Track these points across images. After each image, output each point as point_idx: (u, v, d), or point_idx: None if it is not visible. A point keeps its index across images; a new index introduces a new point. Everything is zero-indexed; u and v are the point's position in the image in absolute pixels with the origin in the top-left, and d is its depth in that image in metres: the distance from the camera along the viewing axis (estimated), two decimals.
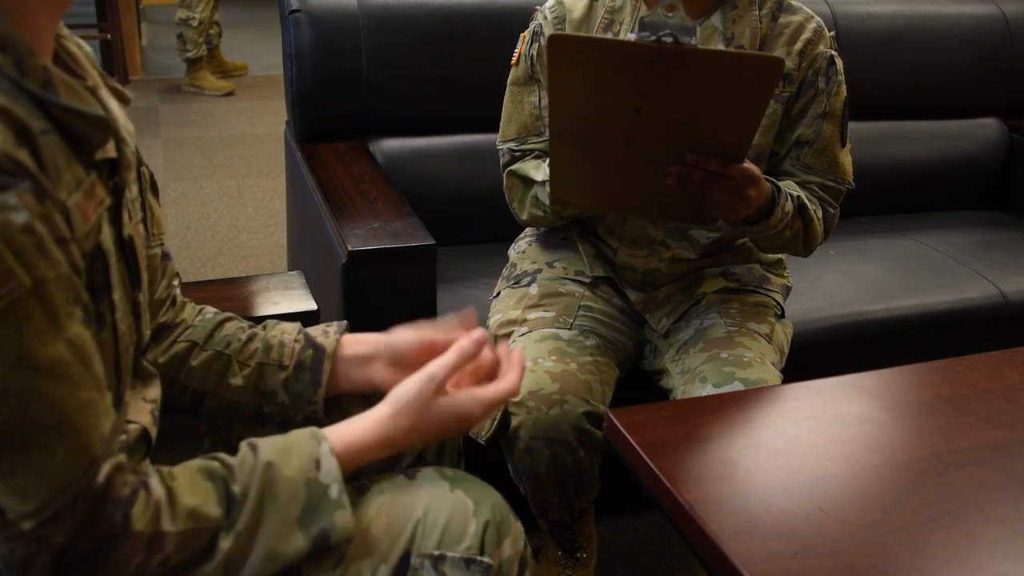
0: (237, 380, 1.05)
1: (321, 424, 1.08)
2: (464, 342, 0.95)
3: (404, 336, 1.07)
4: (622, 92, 1.15)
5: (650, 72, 1.12)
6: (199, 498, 0.79)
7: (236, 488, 0.81)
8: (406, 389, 0.92)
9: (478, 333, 0.96)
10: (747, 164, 1.24)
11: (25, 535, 0.69)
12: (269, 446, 0.85)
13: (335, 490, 0.84)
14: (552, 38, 1.11)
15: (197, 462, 0.83)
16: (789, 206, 1.38)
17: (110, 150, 0.78)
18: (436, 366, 0.93)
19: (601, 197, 1.39)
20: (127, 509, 0.74)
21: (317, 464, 0.85)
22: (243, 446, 0.85)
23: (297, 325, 1.10)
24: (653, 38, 1.09)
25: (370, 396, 1.09)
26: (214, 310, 1.10)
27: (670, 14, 1.33)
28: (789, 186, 1.45)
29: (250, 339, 1.07)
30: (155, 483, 0.77)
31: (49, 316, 0.66)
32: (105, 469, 0.72)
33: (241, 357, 1.06)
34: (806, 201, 1.43)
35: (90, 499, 0.71)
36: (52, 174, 0.68)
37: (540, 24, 1.52)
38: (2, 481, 0.67)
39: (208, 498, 0.79)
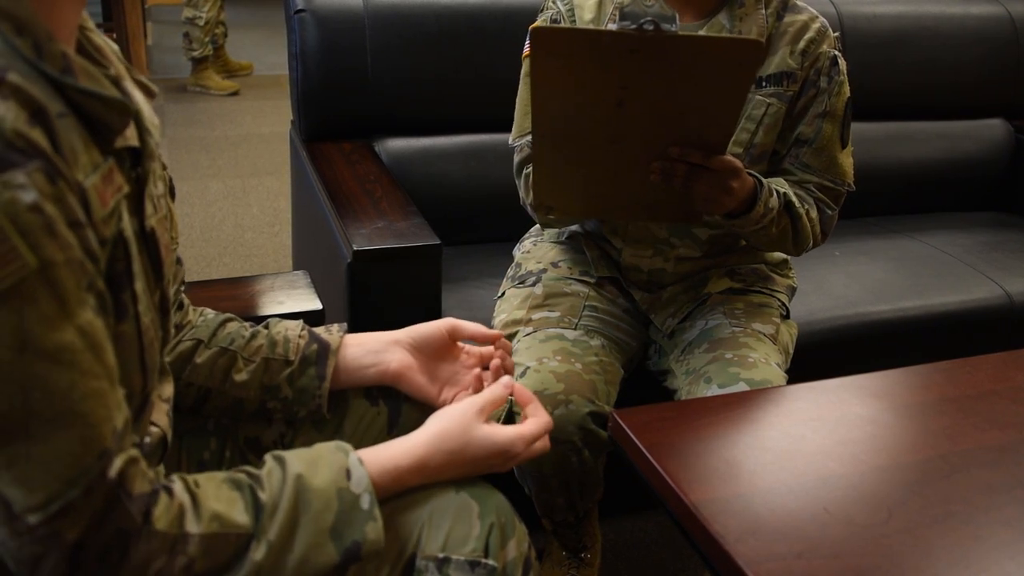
0: (242, 376, 1.05)
1: (324, 420, 1.08)
2: (497, 388, 1.00)
3: (431, 326, 1.10)
4: (604, 85, 1.15)
5: (632, 62, 1.11)
6: (224, 504, 0.77)
7: (264, 496, 0.79)
8: (448, 414, 0.94)
9: (506, 379, 1.02)
10: (728, 156, 1.24)
11: (32, 530, 0.67)
12: (296, 458, 0.84)
13: (366, 500, 0.83)
14: (533, 32, 1.10)
15: (223, 474, 0.81)
16: (773, 201, 1.38)
17: (131, 138, 0.77)
18: (481, 399, 0.96)
19: (586, 200, 1.39)
20: (148, 507, 0.72)
21: (348, 474, 0.84)
22: (268, 459, 0.84)
23: (300, 322, 1.11)
24: (634, 27, 1.09)
25: (372, 390, 1.10)
26: (214, 312, 1.11)
27: (649, 2, 1.32)
28: (779, 183, 1.45)
29: (254, 336, 1.08)
30: (178, 488, 0.76)
31: (57, 300, 0.64)
32: (118, 463, 0.70)
33: (246, 353, 1.06)
34: (794, 199, 1.43)
35: (103, 492, 0.69)
36: (68, 155, 0.66)
37: (556, 12, 1.50)
38: (6, 471, 0.65)
39: (234, 505, 0.78)
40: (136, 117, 0.79)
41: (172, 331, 0.90)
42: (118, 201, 0.73)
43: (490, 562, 0.89)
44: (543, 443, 0.99)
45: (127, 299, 0.75)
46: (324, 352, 1.07)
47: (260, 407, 1.07)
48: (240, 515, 0.77)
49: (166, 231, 0.86)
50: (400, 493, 0.91)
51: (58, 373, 0.65)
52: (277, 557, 0.78)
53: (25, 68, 0.65)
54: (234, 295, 1.47)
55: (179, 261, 1.03)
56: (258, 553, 0.77)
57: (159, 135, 0.86)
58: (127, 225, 0.75)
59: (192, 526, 0.74)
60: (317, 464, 0.84)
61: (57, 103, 0.66)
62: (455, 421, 0.93)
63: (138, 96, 0.83)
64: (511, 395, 1.01)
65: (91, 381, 0.67)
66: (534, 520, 1.46)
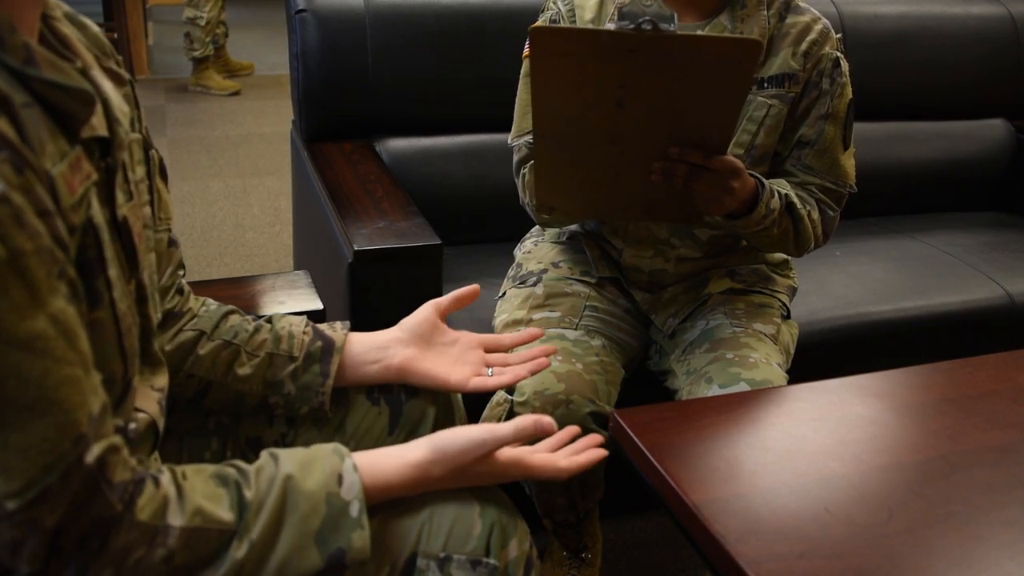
0: (245, 370, 1.05)
1: (325, 419, 1.08)
2: (525, 421, 0.92)
3: (418, 313, 1.11)
4: (604, 85, 1.15)
5: (631, 62, 1.12)
6: (209, 500, 0.77)
7: (249, 494, 0.79)
8: (452, 443, 0.90)
9: (546, 421, 0.92)
10: (729, 157, 1.24)
11: (11, 516, 0.67)
12: (290, 457, 0.84)
13: (355, 508, 0.82)
14: (533, 31, 1.10)
15: (212, 467, 0.81)
16: (775, 202, 1.38)
17: (99, 128, 0.77)
18: (489, 434, 0.90)
19: (587, 201, 1.39)
20: (131, 496, 0.72)
21: (339, 479, 0.83)
22: (264, 454, 0.84)
23: (304, 318, 1.11)
24: (632, 26, 1.09)
25: (373, 390, 1.10)
26: (216, 302, 1.10)
27: (648, 2, 1.33)
28: (781, 184, 1.45)
29: (257, 330, 1.07)
30: (165, 479, 0.76)
31: (28, 289, 0.64)
32: (96, 450, 0.70)
33: (249, 347, 1.06)
34: (795, 200, 1.43)
35: (81, 478, 0.69)
36: (35, 145, 0.67)
37: (556, 13, 1.50)
38: None
39: (219, 501, 0.78)
40: (104, 106, 0.79)
41: (154, 318, 0.90)
42: (87, 189, 0.74)
43: (491, 561, 0.89)
44: (569, 461, 0.95)
45: (101, 286, 0.75)
46: (328, 349, 1.07)
47: (262, 402, 1.07)
48: (224, 511, 0.78)
49: (139, 219, 0.85)
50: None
51: (31, 361, 0.65)
52: (260, 556, 0.78)
53: None
54: (235, 295, 1.48)
55: (173, 243, 1.02)
56: (240, 551, 0.77)
57: (128, 121, 0.86)
58: (97, 212, 0.75)
59: (175, 519, 0.75)
60: (310, 466, 0.83)
61: (21, 94, 0.67)
62: (455, 452, 0.90)
63: (107, 85, 0.83)
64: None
65: (64, 368, 0.67)
66: (535, 520, 1.46)
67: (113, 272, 0.77)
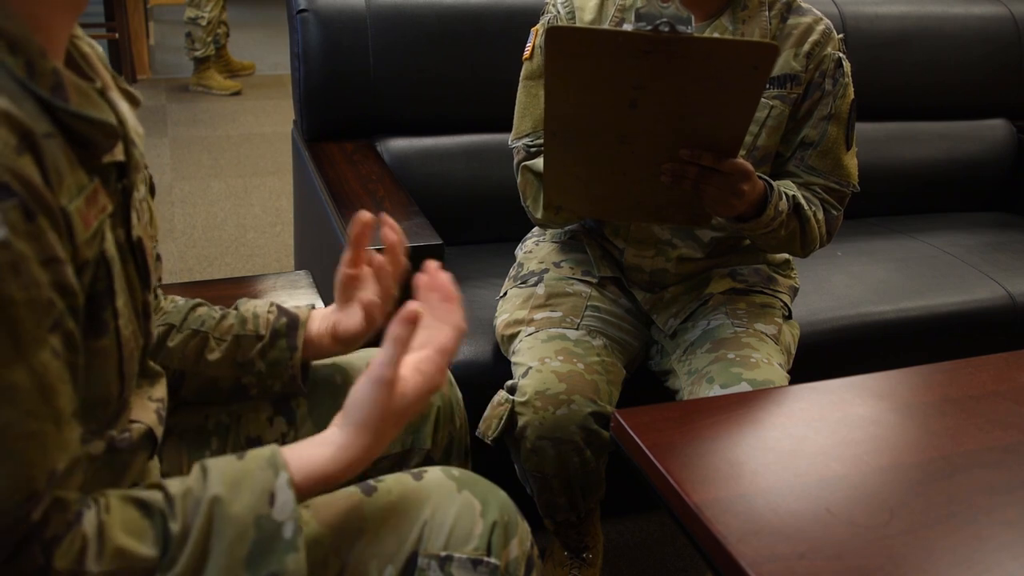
0: (215, 355, 1.06)
1: (300, 392, 1.09)
2: (396, 329, 0.82)
3: (351, 319, 1.08)
4: (618, 85, 1.15)
5: (647, 63, 1.12)
6: (132, 538, 0.72)
7: (175, 526, 0.74)
8: (362, 404, 0.83)
9: (405, 311, 0.82)
10: (740, 160, 1.24)
11: None
12: (221, 474, 0.77)
13: (289, 529, 0.76)
14: (550, 31, 1.10)
15: (140, 492, 0.76)
16: (783, 204, 1.38)
17: (118, 153, 0.78)
18: (381, 367, 0.82)
19: (594, 201, 1.39)
20: (52, 547, 0.68)
21: (271, 499, 0.77)
22: (195, 468, 0.78)
23: (268, 300, 1.13)
24: (650, 27, 1.09)
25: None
26: (183, 298, 1.11)
27: (665, 4, 1.33)
28: (787, 185, 1.45)
29: (224, 316, 1.09)
30: (88, 518, 0.71)
31: (11, 339, 0.62)
32: (43, 506, 0.66)
33: (217, 333, 1.08)
34: (802, 201, 1.43)
35: (19, 536, 0.65)
36: (53, 180, 0.66)
37: (554, 16, 1.51)
38: None
39: (143, 536, 0.73)
40: (122, 128, 0.79)
41: (154, 333, 0.92)
42: (101, 222, 0.73)
43: (492, 560, 0.89)
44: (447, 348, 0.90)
45: (107, 316, 0.75)
46: (294, 324, 1.09)
47: (235, 384, 1.08)
48: (147, 548, 0.72)
49: (149, 238, 0.87)
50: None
51: None
52: None
53: (14, 88, 0.65)
54: (236, 295, 1.47)
55: (157, 257, 1.03)
56: None
57: (143, 143, 0.87)
58: (110, 244, 0.75)
59: (92, 564, 0.70)
60: (240, 485, 0.77)
61: (44, 123, 0.66)
62: (369, 408, 0.83)
63: (123, 106, 0.83)
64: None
65: (31, 423, 0.64)
66: (536, 520, 1.46)
67: (121, 301, 0.77)
